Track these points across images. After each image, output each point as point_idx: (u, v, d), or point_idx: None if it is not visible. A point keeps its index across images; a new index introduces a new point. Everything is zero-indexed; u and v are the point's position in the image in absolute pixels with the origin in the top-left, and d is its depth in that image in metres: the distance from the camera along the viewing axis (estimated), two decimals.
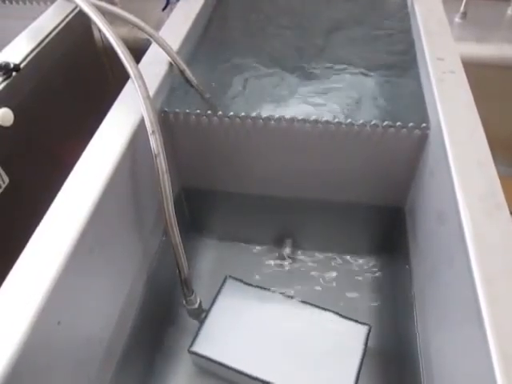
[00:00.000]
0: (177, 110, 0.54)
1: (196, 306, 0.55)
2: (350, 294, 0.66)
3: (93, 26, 0.71)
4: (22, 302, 0.33)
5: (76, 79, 0.69)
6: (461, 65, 0.55)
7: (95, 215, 0.41)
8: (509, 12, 1.10)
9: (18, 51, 0.56)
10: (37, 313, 0.33)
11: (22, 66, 0.54)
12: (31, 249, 0.37)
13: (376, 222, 0.65)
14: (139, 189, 0.51)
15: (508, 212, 0.38)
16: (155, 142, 0.45)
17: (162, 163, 0.45)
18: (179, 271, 0.50)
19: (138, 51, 0.58)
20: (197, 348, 0.55)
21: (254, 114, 0.53)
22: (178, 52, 0.59)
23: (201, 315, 0.58)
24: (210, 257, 0.71)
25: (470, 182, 0.41)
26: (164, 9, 0.78)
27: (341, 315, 0.58)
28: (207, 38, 0.69)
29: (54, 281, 0.35)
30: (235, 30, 0.73)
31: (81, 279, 0.40)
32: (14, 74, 0.53)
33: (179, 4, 0.72)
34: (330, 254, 0.70)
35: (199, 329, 0.57)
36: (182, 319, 0.62)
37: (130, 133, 0.48)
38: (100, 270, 0.44)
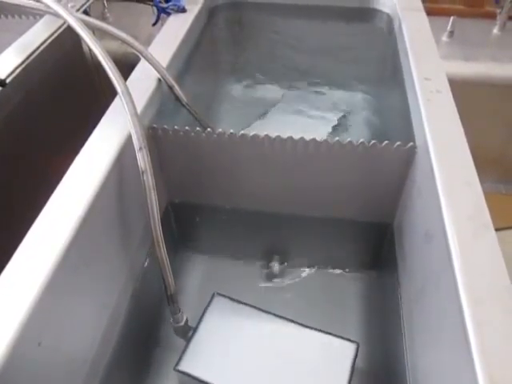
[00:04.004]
0: (165, 127, 0.54)
1: (182, 323, 0.54)
2: (338, 311, 0.65)
3: (82, 41, 0.70)
4: None
5: (65, 94, 0.68)
6: (447, 85, 0.55)
7: (80, 232, 0.40)
8: (494, 31, 1.12)
9: (4, 66, 0.56)
10: (15, 334, 0.32)
11: (7, 80, 0.54)
12: (12, 267, 0.36)
13: (364, 238, 0.65)
14: (126, 205, 0.51)
15: (494, 232, 0.38)
16: (142, 159, 0.45)
17: (149, 180, 0.45)
18: (165, 288, 0.50)
19: (128, 66, 0.58)
20: (183, 367, 0.54)
21: (242, 132, 0.53)
22: (167, 68, 0.59)
23: (188, 333, 0.57)
24: (197, 272, 0.71)
25: (457, 201, 0.41)
26: (154, 24, 0.78)
27: (329, 333, 0.58)
28: (197, 53, 0.70)
29: (34, 301, 0.34)
30: (225, 45, 0.73)
31: (64, 298, 0.39)
32: None
33: (169, 19, 0.72)
34: (318, 270, 0.70)
35: (186, 347, 0.56)
36: (168, 337, 0.61)
37: (117, 149, 0.48)
38: (84, 288, 0.43)
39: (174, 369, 0.54)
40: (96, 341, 0.47)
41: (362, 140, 0.51)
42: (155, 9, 0.75)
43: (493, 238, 0.38)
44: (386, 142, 0.51)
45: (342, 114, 0.57)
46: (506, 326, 0.32)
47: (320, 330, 0.58)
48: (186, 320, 0.55)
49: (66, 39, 0.65)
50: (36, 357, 0.35)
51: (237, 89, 0.61)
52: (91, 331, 0.46)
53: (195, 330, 0.58)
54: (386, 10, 0.78)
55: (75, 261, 0.40)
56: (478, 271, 0.36)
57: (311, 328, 0.58)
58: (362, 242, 0.66)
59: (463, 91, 0.63)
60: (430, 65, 0.59)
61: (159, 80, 0.57)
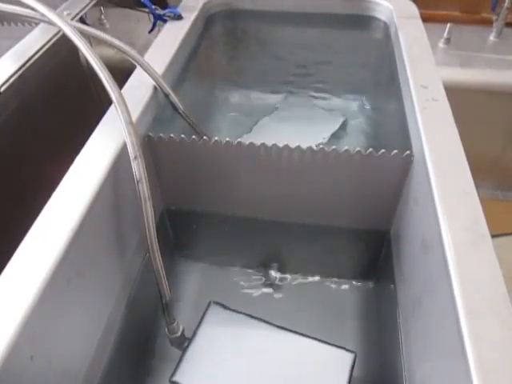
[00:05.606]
0: (161, 135, 0.54)
1: (178, 334, 0.54)
2: (335, 321, 0.65)
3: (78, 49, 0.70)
4: None
5: (61, 102, 0.68)
6: (444, 93, 0.55)
7: (74, 242, 0.40)
8: (491, 38, 1.12)
9: None
10: (7, 348, 0.31)
11: (2, 89, 0.54)
12: (4, 279, 0.36)
13: (361, 247, 0.65)
14: (121, 213, 0.50)
15: (491, 242, 0.38)
16: (137, 168, 0.45)
17: (144, 189, 0.45)
18: (161, 297, 0.49)
19: (125, 72, 0.58)
20: (179, 378, 0.54)
21: (238, 140, 0.53)
22: (163, 76, 0.58)
23: (183, 344, 0.56)
24: (193, 280, 0.70)
25: (454, 210, 0.41)
26: (151, 31, 0.78)
27: (326, 342, 0.57)
28: (193, 61, 0.69)
29: (26, 313, 0.33)
30: (222, 53, 0.73)
31: (56, 311, 0.38)
32: None
33: (166, 27, 0.72)
34: (316, 279, 0.70)
35: (181, 357, 0.56)
36: (163, 347, 0.60)
37: (113, 157, 0.47)
38: (78, 298, 0.43)
39: (170, 380, 0.54)
40: (90, 352, 0.46)
41: (358, 148, 0.51)
42: (151, 16, 0.75)
43: (490, 247, 0.38)
44: (383, 150, 0.51)
45: (338, 121, 0.56)
46: (503, 337, 0.32)
47: (317, 340, 0.58)
48: (183, 330, 0.54)
49: (62, 47, 0.64)
50: (28, 371, 0.34)
51: (233, 97, 0.61)
52: (85, 343, 0.46)
53: (191, 339, 0.57)
54: (382, 17, 0.78)
55: (68, 271, 0.39)
56: (475, 281, 0.36)
57: (308, 337, 0.58)
58: (359, 250, 0.65)
59: (460, 97, 0.63)
60: (427, 73, 0.59)
61: (155, 88, 0.57)
